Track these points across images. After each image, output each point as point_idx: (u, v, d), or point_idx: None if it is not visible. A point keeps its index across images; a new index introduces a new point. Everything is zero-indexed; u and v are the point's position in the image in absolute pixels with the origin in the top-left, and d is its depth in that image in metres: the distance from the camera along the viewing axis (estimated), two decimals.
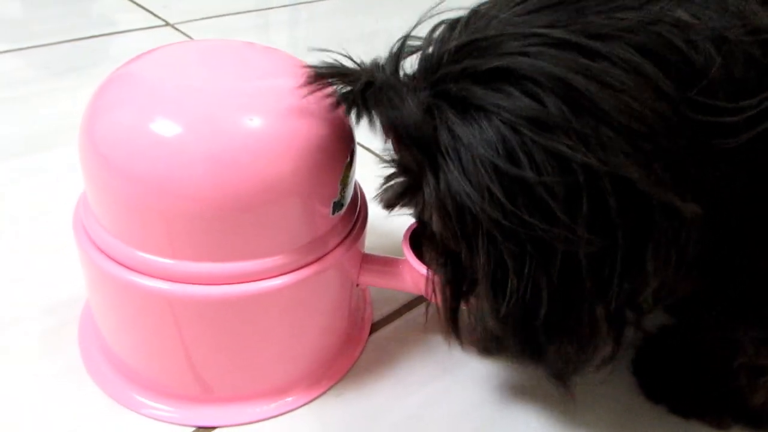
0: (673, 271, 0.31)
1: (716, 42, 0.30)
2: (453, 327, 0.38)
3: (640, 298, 0.32)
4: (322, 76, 0.34)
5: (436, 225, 0.33)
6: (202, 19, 1.02)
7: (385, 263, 0.44)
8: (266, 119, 0.35)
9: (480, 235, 0.30)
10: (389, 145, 0.35)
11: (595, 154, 0.28)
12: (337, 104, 0.35)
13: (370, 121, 0.33)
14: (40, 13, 0.99)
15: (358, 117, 0.34)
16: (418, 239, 0.43)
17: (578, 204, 0.29)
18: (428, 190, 0.32)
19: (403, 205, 0.37)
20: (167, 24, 0.99)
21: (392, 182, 0.37)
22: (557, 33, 0.29)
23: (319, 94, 0.35)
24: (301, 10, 1.12)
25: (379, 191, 0.38)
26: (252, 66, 0.39)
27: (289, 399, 0.43)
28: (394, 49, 0.34)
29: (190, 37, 0.95)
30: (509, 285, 0.31)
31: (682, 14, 0.30)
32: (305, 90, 0.35)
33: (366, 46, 0.36)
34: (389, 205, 0.38)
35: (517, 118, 0.28)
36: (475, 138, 0.29)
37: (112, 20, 1.00)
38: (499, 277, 0.32)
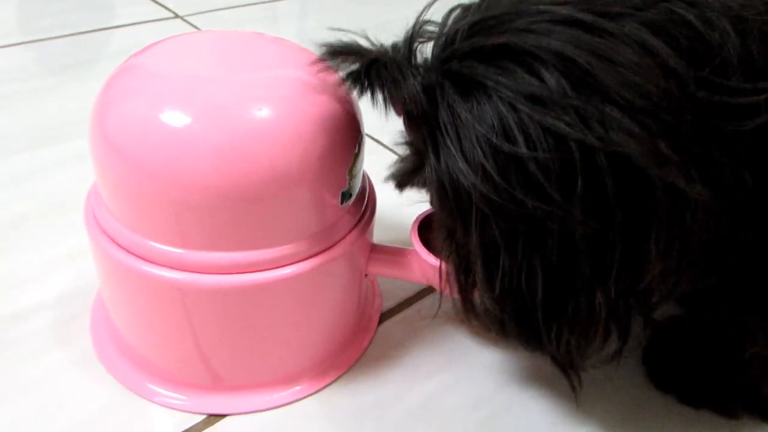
0: (677, 258, 0.30)
1: (733, 20, 0.29)
2: (470, 313, 0.38)
3: (641, 285, 0.31)
4: (336, 53, 0.34)
5: (435, 204, 0.32)
6: (212, 11, 1.02)
7: (394, 253, 0.44)
8: (275, 109, 0.35)
9: (473, 212, 0.30)
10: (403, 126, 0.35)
11: (595, 131, 0.27)
12: (344, 80, 0.34)
13: (373, 98, 0.33)
14: (46, 7, 1.00)
15: (361, 93, 0.33)
16: (426, 231, 0.43)
17: (573, 182, 0.28)
18: (429, 169, 0.31)
19: (411, 184, 0.37)
20: (177, 16, 1.00)
21: (403, 161, 0.37)
22: (564, 10, 0.29)
23: (330, 71, 0.34)
24: (310, 2, 1.12)
25: (391, 169, 0.37)
26: (261, 56, 0.39)
27: (298, 388, 0.43)
28: (410, 33, 0.33)
29: (200, 29, 0.95)
30: (501, 264, 0.31)
31: None
32: (318, 66, 0.34)
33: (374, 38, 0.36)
34: (397, 180, 0.37)
35: (516, 95, 0.28)
36: (473, 115, 0.29)
37: (120, 13, 1.00)
38: (491, 256, 0.31)
